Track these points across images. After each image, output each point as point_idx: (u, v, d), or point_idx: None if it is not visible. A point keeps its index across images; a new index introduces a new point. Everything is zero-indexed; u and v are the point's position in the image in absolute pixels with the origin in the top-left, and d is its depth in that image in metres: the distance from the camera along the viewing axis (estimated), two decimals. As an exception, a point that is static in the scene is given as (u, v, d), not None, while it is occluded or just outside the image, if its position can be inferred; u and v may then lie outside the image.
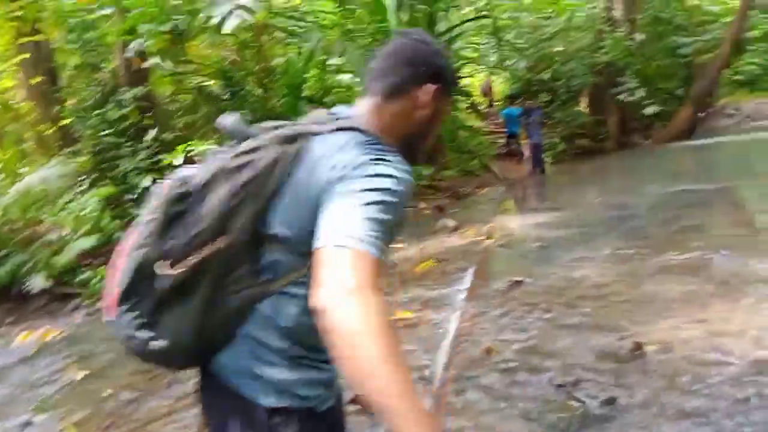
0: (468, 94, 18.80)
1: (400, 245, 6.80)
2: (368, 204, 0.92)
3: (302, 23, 10.65)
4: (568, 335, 3.24)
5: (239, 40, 9.62)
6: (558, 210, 7.67)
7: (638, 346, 2.88)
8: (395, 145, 1.12)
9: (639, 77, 14.92)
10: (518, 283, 4.33)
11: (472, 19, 12.46)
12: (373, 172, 0.98)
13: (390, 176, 0.97)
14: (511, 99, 18.86)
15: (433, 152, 12.40)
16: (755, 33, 28.35)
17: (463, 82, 17.99)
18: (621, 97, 14.48)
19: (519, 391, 2.63)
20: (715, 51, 15.78)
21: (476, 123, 16.25)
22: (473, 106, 18.80)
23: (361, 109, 1.20)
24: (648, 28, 15.32)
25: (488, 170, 12.63)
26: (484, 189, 11.20)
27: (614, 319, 3.38)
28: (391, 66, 1.21)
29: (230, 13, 6.93)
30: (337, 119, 1.17)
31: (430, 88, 1.18)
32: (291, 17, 9.62)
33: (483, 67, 16.07)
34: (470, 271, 4.98)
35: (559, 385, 2.61)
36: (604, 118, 15.05)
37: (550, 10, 14.34)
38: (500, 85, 19.73)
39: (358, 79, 10.19)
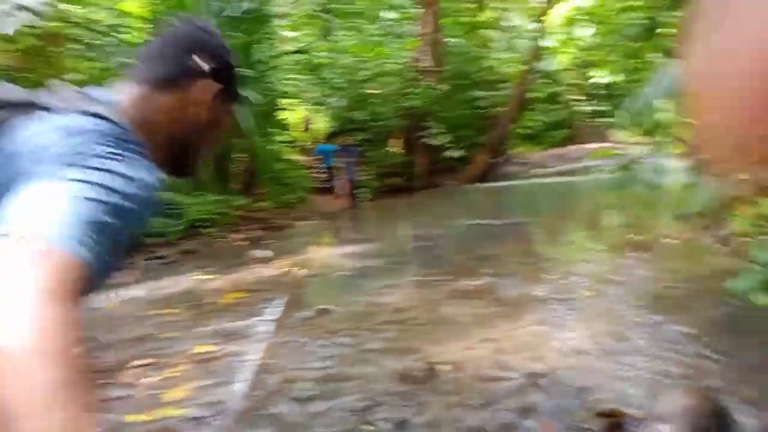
0: (286, 128, 18.88)
1: (207, 276, 6.41)
2: (87, 199, 0.72)
3: (107, 38, 9.77)
4: (369, 360, 3.23)
5: (25, 45, 8.48)
6: (369, 242, 7.88)
7: (432, 367, 2.97)
8: (158, 148, 0.95)
9: (444, 123, 16.36)
10: (325, 311, 4.27)
11: (290, 53, 12.58)
12: (104, 166, 0.78)
13: (126, 177, 0.79)
14: (330, 136, 19.37)
15: (248, 183, 12.12)
16: (539, 95, 33.07)
17: (282, 116, 18.04)
18: (427, 140, 15.71)
19: (314, 420, 2.51)
20: (507, 104, 18.00)
21: (295, 157, 16.31)
22: (292, 141, 18.89)
23: (121, 96, 1.00)
24: (451, 81, 16.96)
25: (306, 203, 12.66)
26: (302, 222, 11.17)
27: (413, 342, 3.46)
28: (166, 52, 1.04)
29: (8, 13, 6.07)
30: (88, 101, 0.95)
31: (210, 85, 1.03)
32: (92, 30, 8.75)
33: (303, 103, 16.31)
34: (278, 302, 4.82)
35: (355, 411, 2.55)
36: (414, 159, 16.15)
37: (366, 55, 15.15)
38: (321, 123, 20.15)
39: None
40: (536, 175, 19.54)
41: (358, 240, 8.64)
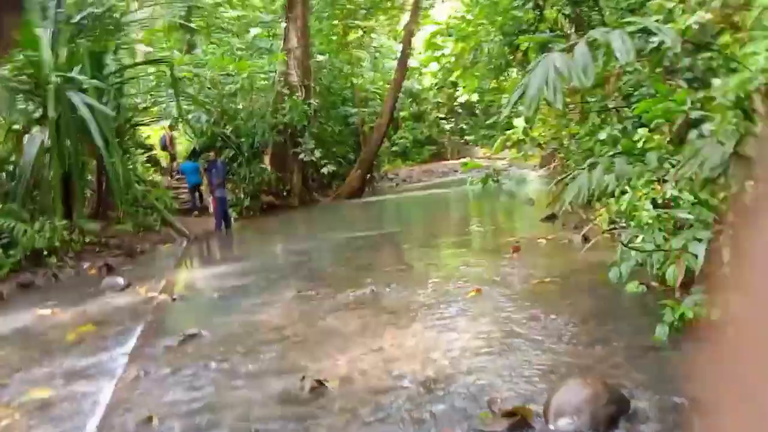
0: (145, 147, 17.52)
1: (48, 311, 5.54)
2: None
3: None
4: (247, 385, 2.84)
5: None
6: (241, 260, 7.37)
7: (319, 384, 2.66)
8: None
9: (316, 140, 16.14)
10: (193, 336, 3.78)
11: (146, 63, 11.65)
12: None
13: None
14: (194, 154, 18.27)
15: (100, 206, 10.94)
16: (406, 113, 34.15)
17: (140, 133, 16.71)
18: (301, 156, 15.37)
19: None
20: (377, 121, 18.23)
21: (156, 177, 15.12)
22: (152, 160, 17.56)
23: None
24: (321, 96, 16.83)
25: (169, 226, 11.69)
26: (165, 245, 10.26)
27: (295, 360, 3.13)
28: None
29: None
30: None
31: None
32: None
33: (162, 120, 15.19)
34: (136, 332, 4.22)
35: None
36: (288, 176, 15.71)
37: (231, 68, 14.51)
38: (184, 140, 18.98)
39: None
40: (407, 190, 20.00)
41: (229, 260, 8.08)
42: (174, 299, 5.04)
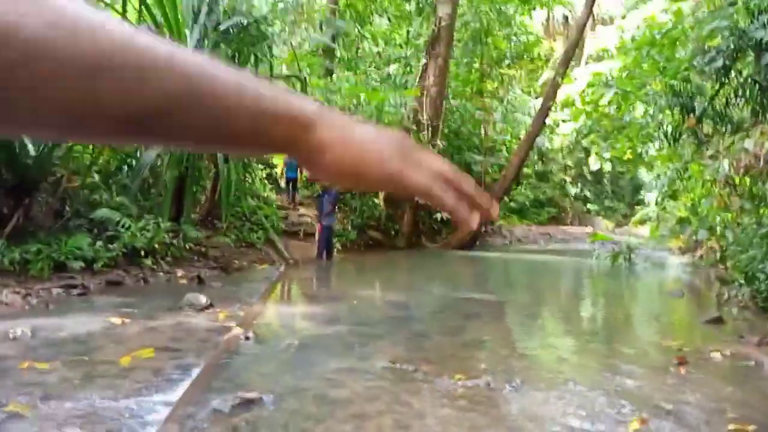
0: (268, 164, 17.67)
1: (122, 319, 4.99)
2: None
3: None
4: None
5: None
6: (335, 300, 6.53)
7: None
8: None
9: (435, 182, 15.31)
10: (250, 403, 2.89)
11: (279, 77, 11.51)
12: None
13: None
14: (310, 180, 18.17)
15: (209, 214, 10.73)
16: (529, 170, 32.69)
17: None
18: (417, 198, 14.59)
19: None
20: (501, 173, 17.08)
21: (271, 195, 15.00)
22: (271, 178, 17.64)
23: None
24: (447, 139, 16.06)
25: (271, 246, 11.27)
26: (262, 265, 9.76)
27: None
28: None
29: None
30: None
31: None
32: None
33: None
34: (191, 374, 3.43)
35: None
36: (399, 215, 14.96)
37: (362, 97, 14.19)
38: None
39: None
40: (522, 251, 18.48)
41: (320, 297, 7.28)
42: (247, 338, 4.23)
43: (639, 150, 19.41)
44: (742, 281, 7.11)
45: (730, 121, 7.38)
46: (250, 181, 14.00)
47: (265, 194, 14.87)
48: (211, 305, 5.78)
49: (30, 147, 6.49)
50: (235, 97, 0.43)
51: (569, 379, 3.60)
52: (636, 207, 36.97)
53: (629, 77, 10.77)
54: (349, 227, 14.03)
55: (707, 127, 7.99)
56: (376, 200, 14.77)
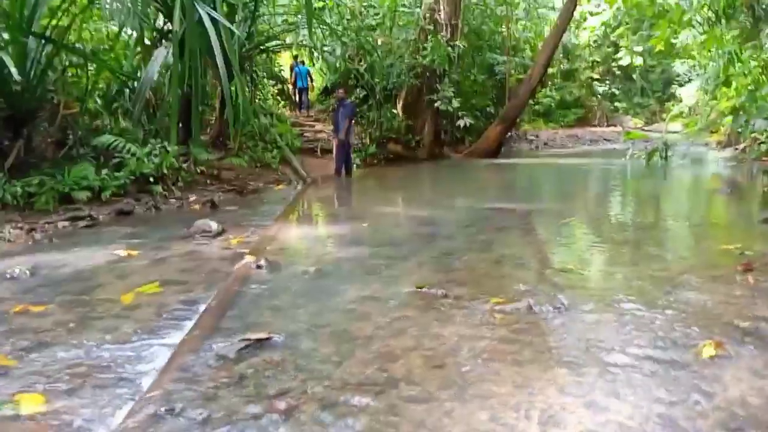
0: (280, 79, 16.87)
1: (129, 251, 4.67)
2: None
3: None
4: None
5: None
6: (356, 220, 6.11)
7: None
8: None
9: (456, 88, 14.42)
10: (260, 343, 2.52)
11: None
12: None
13: None
14: (325, 92, 17.36)
15: (220, 135, 10.24)
16: (553, 70, 30.97)
17: (274, 63, 16.00)
18: (437, 104, 13.79)
19: None
20: (527, 73, 16.00)
21: (284, 111, 14.36)
22: (284, 93, 16.90)
23: None
24: (468, 40, 14.94)
25: (288, 165, 10.82)
26: (278, 186, 9.36)
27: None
28: None
29: None
30: None
31: None
32: None
33: (296, 49, 14.27)
34: (197, 311, 3.08)
35: None
36: (419, 124, 14.25)
37: (374, -1, 13.12)
38: (317, 75, 18.10)
39: None
40: (551, 155, 17.72)
41: (340, 216, 6.88)
42: (259, 266, 3.86)
43: (676, 39, 17.96)
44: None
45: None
46: (261, 98, 13.36)
47: (278, 111, 14.24)
48: (223, 231, 5.43)
49: (13, 71, 5.95)
50: None
51: (621, 297, 3.15)
52: (667, 103, 35.18)
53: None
54: (368, 141, 13.44)
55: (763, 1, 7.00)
56: (394, 111, 14.03)
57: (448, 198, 8.07)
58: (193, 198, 7.71)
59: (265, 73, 13.70)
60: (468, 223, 5.65)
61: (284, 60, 17.98)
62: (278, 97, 15.60)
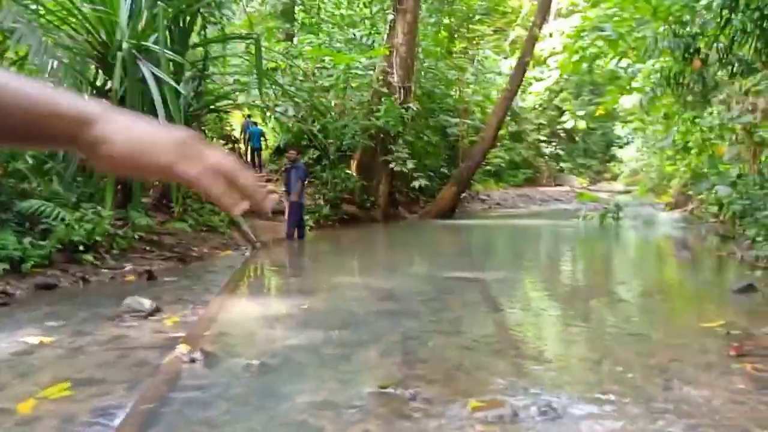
0: (228, 138, 16.45)
1: (43, 338, 4.01)
2: None
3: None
4: None
5: None
6: (308, 293, 5.59)
7: None
8: None
9: (410, 149, 14.34)
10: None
11: (231, 38, 10.25)
12: None
13: None
14: (278, 152, 17.00)
15: (164, 197, 9.62)
16: (503, 132, 31.88)
17: (224, 123, 15.61)
18: (392, 165, 13.61)
19: None
20: (479, 135, 16.17)
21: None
22: (235, 151, 16.42)
23: None
24: (420, 102, 15.02)
25: (236, 228, 10.22)
26: (225, 252, 8.75)
27: None
28: None
29: None
30: None
31: None
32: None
33: (246, 109, 13.96)
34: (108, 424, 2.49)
35: None
36: (374, 185, 13.99)
37: (327, 60, 13.02)
38: (270, 135, 17.77)
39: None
40: (504, 216, 17.75)
41: (291, 290, 6.34)
42: (193, 360, 3.28)
43: (618, 103, 18.69)
44: (761, 238, 6.41)
45: (741, 62, 6.55)
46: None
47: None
48: (157, 309, 4.81)
49: None
50: (24, 98, 0.53)
51: (614, 396, 2.75)
52: (608, 163, 36.60)
53: (619, 21, 9.85)
54: (322, 201, 13.03)
55: (712, 70, 7.16)
56: (348, 171, 13.76)
57: (407, 264, 7.67)
58: (128, 268, 7.01)
59: (215, 133, 13.25)
60: (431, 296, 5.23)
61: (237, 119, 17.65)
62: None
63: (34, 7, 7.16)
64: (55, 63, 7.24)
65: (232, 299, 5.21)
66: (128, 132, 0.56)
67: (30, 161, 8.46)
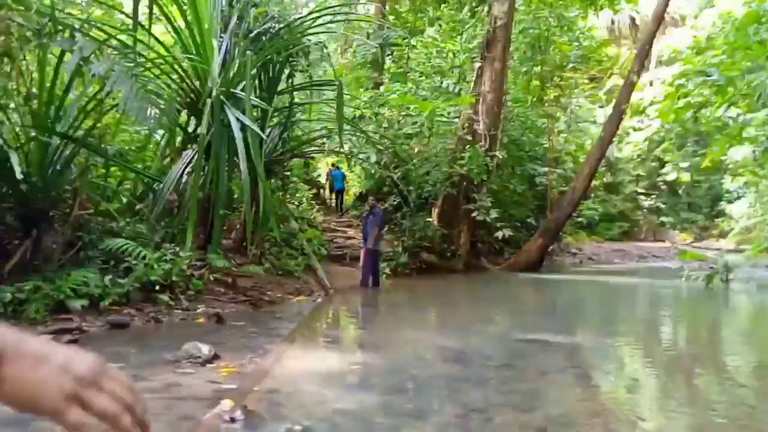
0: (315, 184, 16.76)
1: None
2: None
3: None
4: None
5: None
6: (372, 349, 5.26)
7: None
8: None
9: (494, 198, 13.86)
10: None
11: (314, 84, 10.44)
12: None
13: None
14: (361, 198, 17.10)
15: (239, 241, 9.75)
16: (597, 182, 30.47)
17: (311, 168, 15.94)
18: (474, 214, 13.18)
19: None
20: (570, 185, 15.39)
21: (316, 216, 13.98)
22: (319, 197, 16.70)
23: None
24: (507, 150, 14.58)
25: (313, 273, 10.16)
26: (298, 297, 8.64)
27: None
28: None
29: None
30: None
31: None
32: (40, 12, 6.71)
33: (330, 154, 14.19)
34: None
35: None
36: (455, 234, 13.58)
37: (412, 108, 13.01)
38: (354, 181, 17.98)
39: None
40: (596, 272, 16.59)
41: (354, 344, 6.03)
42: (233, 419, 3.03)
43: (725, 156, 17.24)
44: None
45: None
46: (293, 202, 13.05)
47: (312, 216, 13.87)
48: (215, 357, 4.66)
49: (17, 170, 5.62)
50: None
51: None
52: (716, 219, 33.73)
53: (728, 65, 9.01)
54: (400, 249, 12.78)
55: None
56: (429, 219, 13.47)
57: (482, 322, 7.14)
58: (200, 309, 7.04)
59: (298, 178, 13.51)
60: (504, 361, 4.72)
61: (324, 166, 18.05)
62: (312, 201, 15.34)
63: (134, 57, 7.61)
64: (151, 110, 7.61)
65: (292, 350, 4.97)
66: (22, 374, 0.59)
67: (123, 201, 8.93)
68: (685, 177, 32.41)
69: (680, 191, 34.61)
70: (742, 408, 3.62)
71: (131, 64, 7.04)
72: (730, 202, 31.99)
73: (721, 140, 11.69)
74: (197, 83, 8.66)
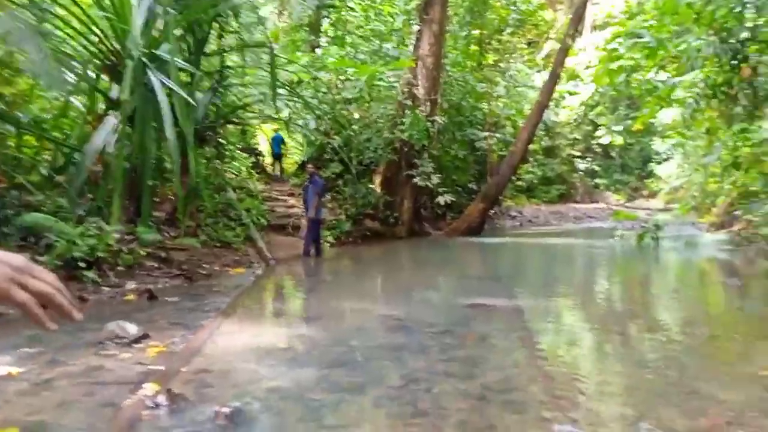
0: (255, 152, 16.22)
1: (12, 369, 3.63)
2: None
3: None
4: None
5: None
6: (312, 321, 5.13)
7: None
8: None
9: (435, 163, 13.83)
10: None
11: (246, 46, 9.95)
12: None
13: None
14: (302, 167, 16.72)
15: (172, 213, 9.32)
16: (535, 146, 31.05)
17: (249, 135, 15.38)
18: (416, 180, 13.12)
19: None
20: (509, 149, 15.56)
21: (255, 185, 13.55)
22: (259, 166, 16.19)
23: None
24: (447, 115, 14.52)
25: (252, 244, 9.86)
26: (236, 269, 8.36)
27: None
28: None
29: None
30: None
31: None
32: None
33: (264, 120, 13.69)
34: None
35: None
36: (398, 201, 13.51)
37: (350, 72, 12.66)
38: (295, 150, 17.52)
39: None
40: (535, 234, 17.01)
41: (296, 315, 5.88)
42: (157, 405, 2.83)
43: (655, 118, 17.82)
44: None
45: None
46: (236, 172, 12.58)
47: (252, 186, 13.44)
48: (144, 336, 4.40)
49: None
50: None
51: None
52: (646, 180, 35.24)
53: (658, 27, 9.16)
54: (343, 217, 12.61)
55: (763, 79, 6.48)
56: (371, 186, 13.32)
57: (425, 287, 7.13)
58: (131, 286, 6.68)
59: (235, 145, 13.00)
60: (445, 327, 4.68)
61: (266, 133, 17.46)
62: (252, 170, 14.85)
63: (41, 13, 6.95)
64: (64, 74, 7.01)
65: (225, 326, 4.76)
66: None
67: (43, 173, 8.29)
68: (618, 140, 33.53)
69: (613, 154, 35.85)
70: (674, 364, 3.71)
71: (36, 22, 6.41)
72: (659, 163, 33.43)
73: (651, 103, 12.04)
74: (117, 45, 8.04)
